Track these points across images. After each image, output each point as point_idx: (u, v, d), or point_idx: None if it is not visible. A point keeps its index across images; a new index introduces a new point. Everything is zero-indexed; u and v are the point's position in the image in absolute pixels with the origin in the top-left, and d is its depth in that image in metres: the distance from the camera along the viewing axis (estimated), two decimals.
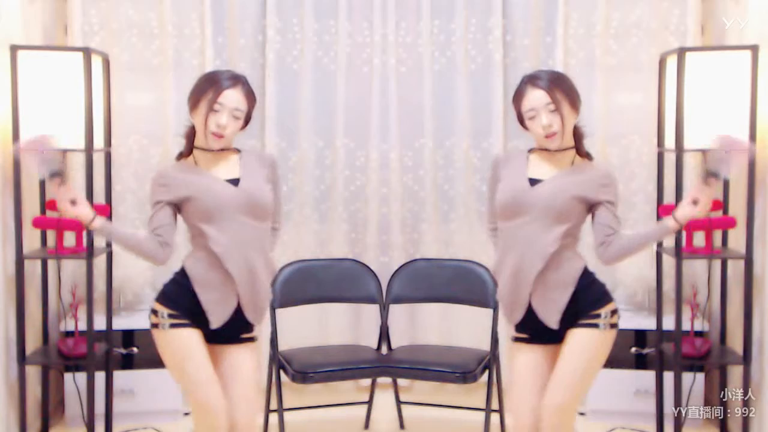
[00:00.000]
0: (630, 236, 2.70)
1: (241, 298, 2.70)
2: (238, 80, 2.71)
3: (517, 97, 2.74)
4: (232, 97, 2.67)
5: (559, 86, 2.68)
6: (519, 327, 2.77)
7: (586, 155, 2.77)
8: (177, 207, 2.72)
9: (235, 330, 2.75)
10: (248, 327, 2.79)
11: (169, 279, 2.78)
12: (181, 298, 2.70)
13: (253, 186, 2.72)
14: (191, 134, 2.75)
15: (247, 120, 2.75)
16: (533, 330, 2.74)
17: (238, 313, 2.72)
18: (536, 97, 2.67)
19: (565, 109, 2.67)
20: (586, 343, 2.68)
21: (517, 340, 2.79)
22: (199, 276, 2.69)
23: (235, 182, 2.71)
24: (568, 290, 2.69)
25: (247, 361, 2.77)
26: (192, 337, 2.69)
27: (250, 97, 2.74)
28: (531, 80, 2.71)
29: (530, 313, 2.72)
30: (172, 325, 2.69)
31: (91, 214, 2.66)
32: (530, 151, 2.81)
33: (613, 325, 2.72)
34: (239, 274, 2.67)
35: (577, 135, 2.76)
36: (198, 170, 2.72)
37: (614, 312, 2.73)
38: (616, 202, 2.73)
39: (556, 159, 2.74)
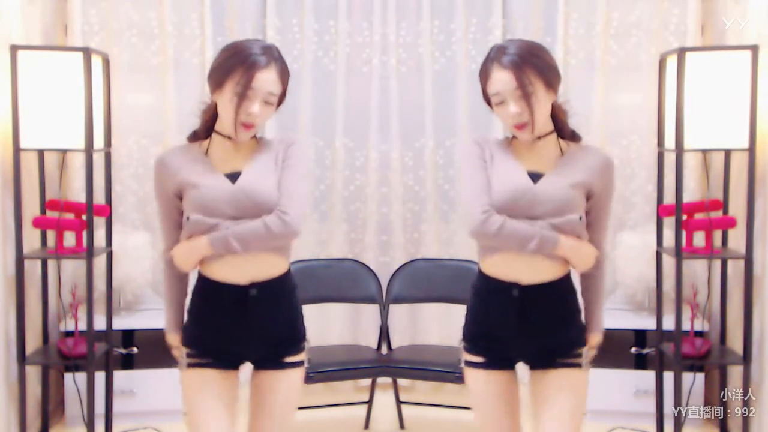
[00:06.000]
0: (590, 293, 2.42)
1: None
2: (271, 56, 2.28)
3: (483, 75, 2.32)
4: (265, 80, 2.26)
5: (531, 64, 2.23)
6: (473, 345, 2.39)
7: (571, 136, 2.36)
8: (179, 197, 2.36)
9: (276, 352, 2.38)
10: (294, 348, 2.40)
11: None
12: (197, 333, 2.38)
13: (252, 180, 2.30)
14: (212, 114, 2.35)
15: (281, 100, 2.37)
16: (490, 351, 2.36)
17: (277, 332, 2.38)
18: (502, 80, 2.24)
19: (539, 93, 2.24)
20: (576, 384, 2.34)
21: (470, 365, 2.39)
22: (206, 293, 2.36)
23: (236, 177, 2.31)
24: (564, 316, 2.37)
25: (282, 392, 2.38)
26: (205, 379, 2.34)
27: (285, 74, 2.33)
28: (497, 56, 2.26)
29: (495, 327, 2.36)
30: (189, 365, 2.37)
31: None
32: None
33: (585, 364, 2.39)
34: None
35: (557, 114, 2.33)
36: (202, 160, 2.34)
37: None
38: (608, 202, 2.37)
39: (539, 146, 2.33)
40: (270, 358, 2.37)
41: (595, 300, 2.43)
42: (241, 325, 2.33)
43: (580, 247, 2.29)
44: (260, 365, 2.40)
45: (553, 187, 2.27)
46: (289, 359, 2.38)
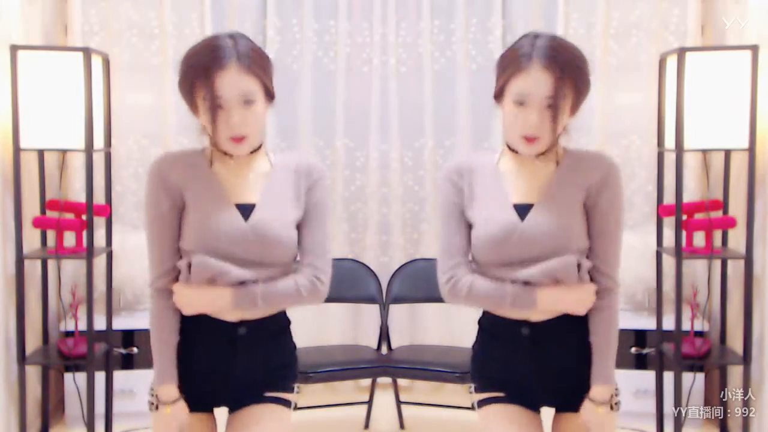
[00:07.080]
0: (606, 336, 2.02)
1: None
2: (231, 52, 1.92)
3: (511, 66, 1.94)
4: (230, 81, 1.91)
5: (572, 76, 1.91)
6: (488, 382, 2.08)
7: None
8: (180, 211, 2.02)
9: (260, 390, 2.06)
10: (279, 382, 2.07)
11: None
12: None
13: (268, 218, 1.97)
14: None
15: (270, 94, 2.00)
16: (508, 389, 2.06)
17: (264, 377, 2.06)
18: (538, 81, 1.90)
19: (567, 110, 1.94)
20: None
21: (486, 402, 2.07)
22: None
23: (248, 210, 1.99)
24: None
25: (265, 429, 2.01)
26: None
27: (257, 65, 1.95)
28: (537, 52, 1.91)
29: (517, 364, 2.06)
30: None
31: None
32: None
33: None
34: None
35: None
36: (207, 176, 2.01)
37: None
38: (613, 213, 2.00)
39: (536, 163, 2.03)
40: (251, 395, 2.05)
41: (602, 342, 2.02)
42: (224, 367, 2.03)
43: (567, 295, 1.97)
44: (238, 406, 2.06)
45: (545, 221, 1.97)
46: (275, 394, 2.06)
